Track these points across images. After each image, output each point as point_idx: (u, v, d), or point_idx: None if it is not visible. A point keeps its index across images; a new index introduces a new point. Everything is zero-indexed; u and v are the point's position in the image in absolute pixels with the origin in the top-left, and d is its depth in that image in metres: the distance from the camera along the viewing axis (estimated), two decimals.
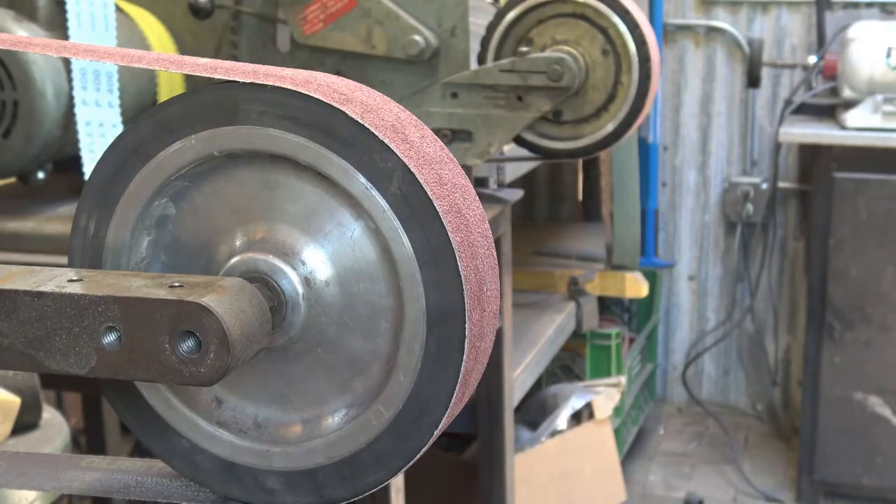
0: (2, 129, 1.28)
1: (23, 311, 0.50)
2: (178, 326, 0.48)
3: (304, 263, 0.54)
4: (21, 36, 0.81)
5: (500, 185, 1.67)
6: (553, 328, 2.27)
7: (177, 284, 0.50)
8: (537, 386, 2.61)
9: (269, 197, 0.55)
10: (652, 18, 3.12)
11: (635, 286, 2.66)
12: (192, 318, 0.48)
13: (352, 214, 0.54)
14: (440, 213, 0.51)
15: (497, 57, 1.50)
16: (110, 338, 0.50)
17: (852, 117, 2.56)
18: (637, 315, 3.19)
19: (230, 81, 0.53)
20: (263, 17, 1.51)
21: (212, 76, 0.53)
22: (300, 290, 0.54)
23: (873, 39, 2.63)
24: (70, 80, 1.28)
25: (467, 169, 1.47)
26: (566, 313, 2.40)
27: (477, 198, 0.56)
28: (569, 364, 2.75)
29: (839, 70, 2.70)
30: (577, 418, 2.48)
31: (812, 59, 2.98)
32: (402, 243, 0.51)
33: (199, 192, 0.57)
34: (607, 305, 2.97)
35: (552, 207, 3.43)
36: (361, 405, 0.55)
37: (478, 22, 1.53)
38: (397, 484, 1.31)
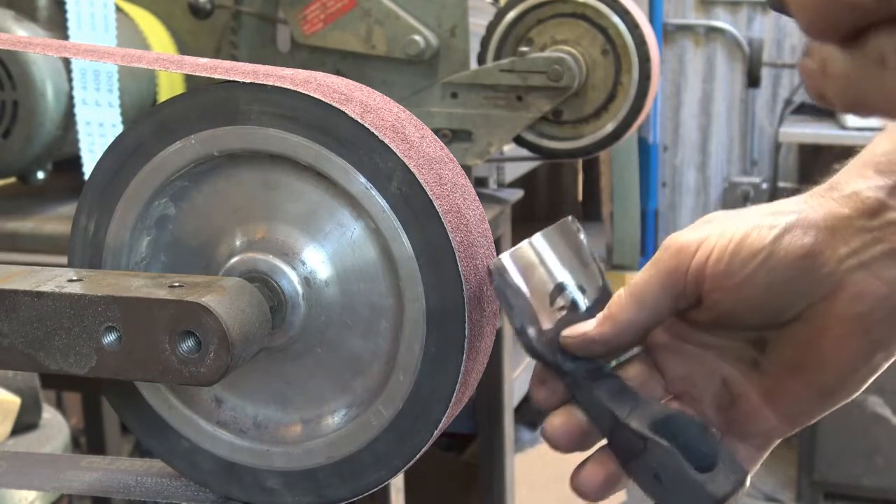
0: (2, 129, 1.28)
1: (23, 311, 0.50)
2: (178, 326, 0.48)
3: (304, 263, 0.54)
4: (21, 36, 0.81)
5: (500, 185, 1.67)
6: None
7: (177, 284, 0.50)
8: None
9: (269, 197, 0.55)
10: (652, 18, 3.12)
11: None
12: (192, 318, 0.48)
13: (352, 214, 0.54)
14: (440, 213, 0.51)
15: (497, 57, 1.50)
16: (110, 338, 0.50)
17: (852, 117, 2.56)
18: None
19: (230, 81, 0.53)
20: (263, 17, 1.51)
21: (212, 76, 0.53)
22: (300, 289, 0.54)
23: None
24: (70, 80, 1.28)
25: (467, 169, 1.47)
26: None
27: (477, 198, 0.56)
28: None
29: None
30: None
31: None
32: (402, 243, 0.51)
33: (199, 192, 0.56)
34: None
35: (552, 207, 3.43)
36: (361, 405, 0.55)
37: (478, 22, 1.53)
38: (397, 484, 1.31)
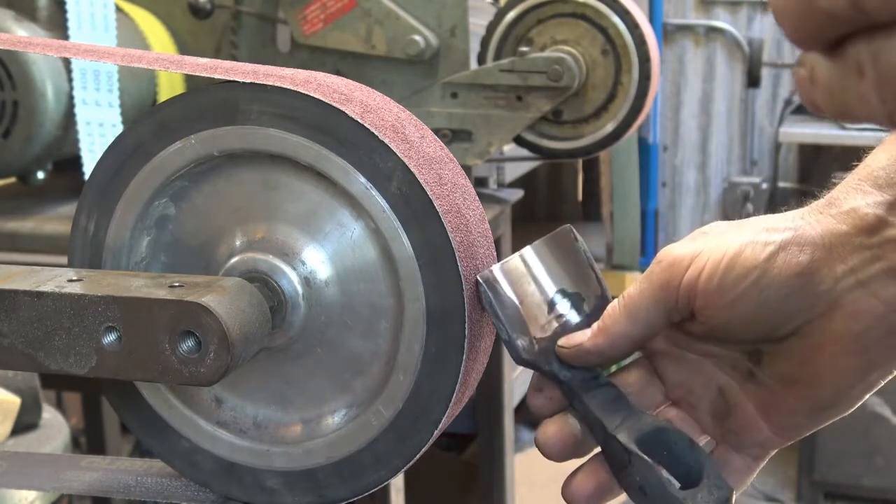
0: (2, 129, 1.28)
1: (23, 311, 0.50)
2: (178, 326, 0.48)
3: (304, 263, 0.54)
4: (21, 36, 0.82)
5: (500, 185, 1.67)
6: None
7: (177, 284, 0.50)
8: None
9: (269, 197, 0.55)
10: (652, 18, 3.12)
11: None
12: (192, 318, 0.48)
13: (352, 214, 0.54)
14: (440, 213, 0.51)
15: (497, 57, 1.50)
16: (110, 338, 0.50)
17: None
18: None
19: (230, 81, 0.53)
20: (263, 17, 1.51)
21: (212, 76, 0.53)
22: (300, 289, 0.54)
23: None
24: (70, 80, 1.28)
25: (467, 169, 1.47)
26: None
27: (477, 198, 0.56)
28: None
29: None
30: None
31: None
32: (402, 243, 0.51)
33: (199, 192, 0.56)
34: None
35: (552, 207, 3.44)
36: (361, 405, 0.55)
37: (478, 22, 1.53)
38: (397, 484, 1.31)
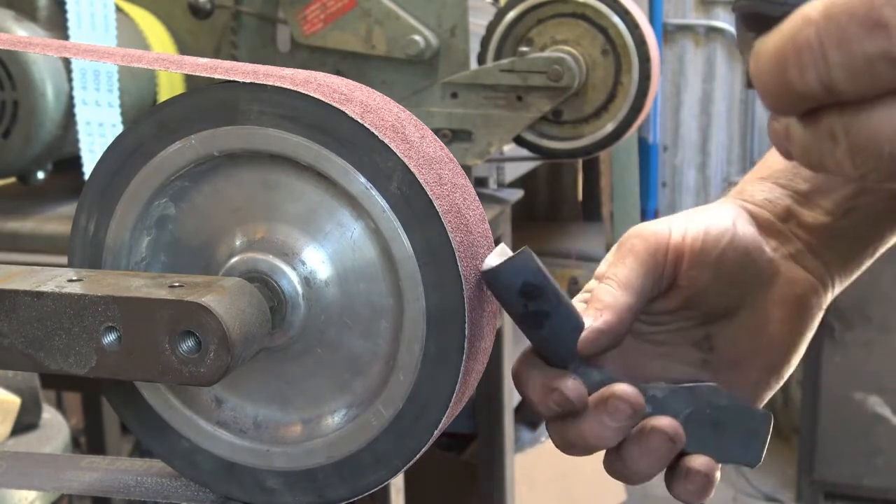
0: (2, 129, 1.28)
1: (23, 311, 0.50)
2: (178, 326, 0.48)
3: (304, 263, 0.54)
4: (21, 36, 0.81)
5: (500, 185, 1.67)
6: None
7: (177, 284, 0.50)
8: None
9: (268, 197, 0.55)
10: (652, 18, 3.12)
11: None
12: (192, 318, 0.48)
13: (352, 214, 0.54)
14: (440, 213, 0.51)
15: (497, 57, 1.50)
16: (110, 338, 0.50)
17: None
18: None
19: (230, 81, 0.53)
20: (263, 17, 1.51)
21: (212, 76, 0.53)
22: (300, 289, 0.54)
23: None
24: (70, 80, 1.28)
25: (467, 169, 1.47)
26: None
27: (477, 198, 0.56)
28: None
29: None
30: None
31: None
32: (402, 243, 0.51)
33: (199, 192, 0.56)
34: None
35: (552, 207, 3.44)
36: (361, 405, 0.55)
37: (478, 22, 1.53)
38: (397, 484, 1.32)
